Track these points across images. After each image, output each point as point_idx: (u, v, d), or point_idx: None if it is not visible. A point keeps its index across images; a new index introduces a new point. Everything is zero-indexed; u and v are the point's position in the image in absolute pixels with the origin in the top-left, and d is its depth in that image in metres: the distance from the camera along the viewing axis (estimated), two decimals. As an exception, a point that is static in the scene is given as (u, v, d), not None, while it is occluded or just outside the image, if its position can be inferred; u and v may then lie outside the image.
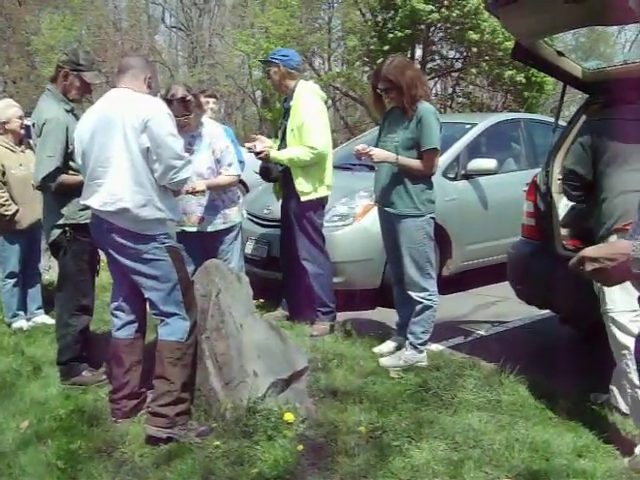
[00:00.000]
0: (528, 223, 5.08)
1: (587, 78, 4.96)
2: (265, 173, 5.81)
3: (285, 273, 6.08)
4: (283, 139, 5.65)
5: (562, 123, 5.64)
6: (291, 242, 5.73)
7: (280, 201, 5.99)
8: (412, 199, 4.68)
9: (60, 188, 4.28)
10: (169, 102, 4.63)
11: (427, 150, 4.63)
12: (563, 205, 5.03)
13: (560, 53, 4.92)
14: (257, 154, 5.56)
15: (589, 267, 2.01)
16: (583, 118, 5.06)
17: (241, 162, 6.07)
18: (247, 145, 5.64)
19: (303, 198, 5.53)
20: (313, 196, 5.56)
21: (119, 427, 3.85)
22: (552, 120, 5.54)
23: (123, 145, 3.56)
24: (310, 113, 5.48)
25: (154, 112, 3.58)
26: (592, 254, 2.01)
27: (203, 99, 5.55)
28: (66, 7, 28.04)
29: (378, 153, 4.72)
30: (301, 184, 5.51)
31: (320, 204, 5.67)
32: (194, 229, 5.10)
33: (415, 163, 4.67)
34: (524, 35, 4.68)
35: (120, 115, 3.57)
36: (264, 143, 5.61)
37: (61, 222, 4.40)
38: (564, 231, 4.96)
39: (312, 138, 5.41)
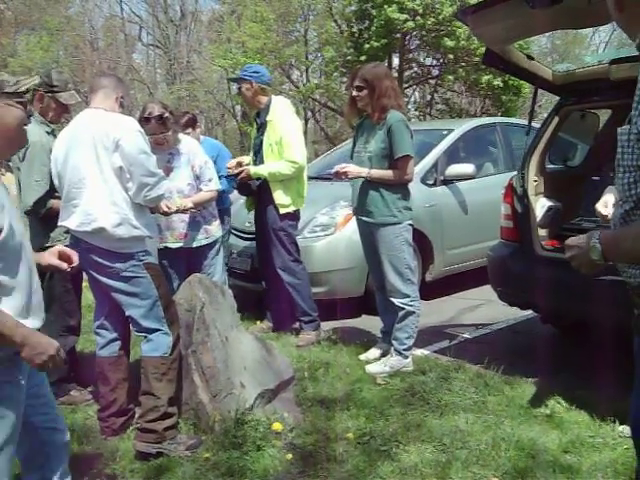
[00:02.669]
0: (506, 225, 5.15)
1: (557, 81, 5.04)
2: (243, 188, 5.85)
3: (267, 285, 6.12)
4: (258, 153, 5.72)
5: (537, 125, 5.71)
6: (269, 254, 5.78)
7: (252, 213, 6.07)
8: (389, 207, 4.73)
9: (49, 213, 4.29)
10: (147, 120, 4.66)
11: (400, 158, 4.69)
12: (540, 206, 5.11)
13: (530, 57, 5.00)
14: (236, 175, 5.65)
15: (567, 254, 2.14)
16: (556, 120, 5.14)
17: (229, 176, 6.10)
18: (230, 166, 5.71)
19: (282, 210, 5.60)
20: (291, 208, 5.64)
21: (109, 444, 3.87)
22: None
23: (96, 165, 3.58)
24: (289, 128, 5.55)
25: (125, 131, 3.60)
26: (570, 243, 2.13)
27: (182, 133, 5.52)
28: (42, 28, 28.01)
29: (352, 170, 4.79)
30: (280, 197, 5.58)
31: (295, 216, 5.75)
32: (178, 245, 5.12)
33: (388, 174, 4.73)
34: (494, 41, 4.75)
35: (91, 135, 3.59)
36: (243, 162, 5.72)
37: (48, 244, 4.40)
38: (542, 232, 5.04)
39: (292, 153, 5.48)
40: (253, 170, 5.58)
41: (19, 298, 2.30)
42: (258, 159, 5.70)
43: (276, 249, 5.70)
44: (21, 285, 2.31)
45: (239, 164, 5.71)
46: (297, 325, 5.91)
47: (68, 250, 2.66)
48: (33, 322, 2.35)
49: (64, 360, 2.37)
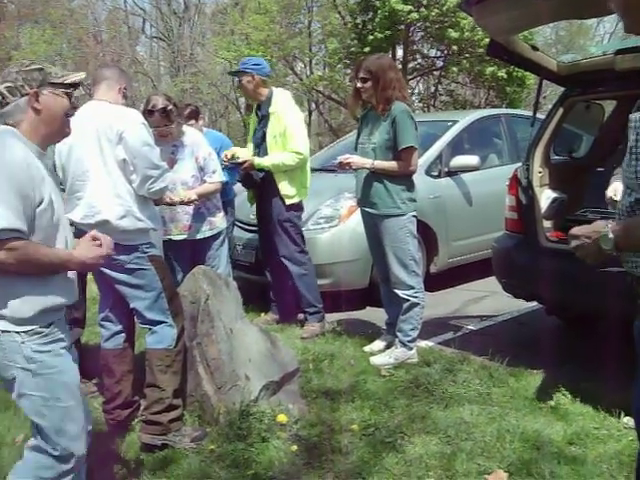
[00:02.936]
0: (511, 217, 5.13)
1: (562, 71, 5.02)
2: (247, 180, 5.85)
3: (271, 277, 6.12)
4: (260, 145, 5.73)
5: (541, 117, 5.69)
6: (274, 245, 5.80)
7: (254, 206, 6.11)
8: (393, 199, 4.73)
9: None
10: (150, 113, 4.66)
11: (403, 149, 4.67)
12: (545, 198, 5.10)
13: (535, 48, 4.97)
14: (240, 164, 5.64)
15: (572, 244, 2.15)
16: (561, 111, 5.12)
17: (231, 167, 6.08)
18: (225, 157, 5.69)
19: (288, 201, 5.62)
20: (297, 199, 5.67)
21: (114, 436, 3.87)
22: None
23: (99, 158, 3.59)
24: (292, 120, 5.59)
25: (128, 123, 3.60)
26: (576, 232, 2.14)
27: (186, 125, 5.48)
28: (46, 21, 28.05)
29: (356, 160, 4.80)
30: (285, 188, 5.60)
31: (300, 206, 5.78)
32: (182, 237, 5.12)
33: (392, 165, 4.72)
34: (498, 32, 4.73)
35: (95, 128, 3.59)
36: (244, 154, 5.71)
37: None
38: (547, 223, 5.03)
39: (296, 144, 5.51)
40: (257, 161, 5.58)
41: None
42: (261, 151, 5.71)
43: (282, 240, 5.71)
44: None
45: (233, 156, 5.68)
46: (302, 317, 5.93)
47: (99, 235, 2.71)
48: (63, 297, 2.55)
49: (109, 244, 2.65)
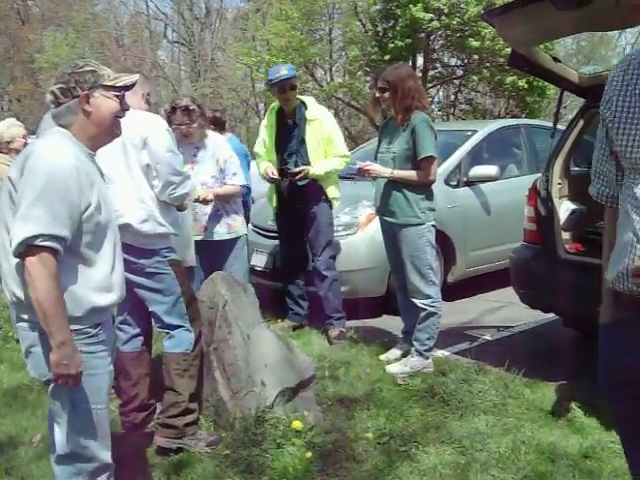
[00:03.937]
0: (529, 228, 5.12)
1: (583, 83, 5.00)
2: (291, 188, 5.78)
3: (291, 283, 6.13)
4: (297, 153, 5.69)
5: (562, 128, 5.67)
6: (313, 251, 5.85)
7: (272, 212, 6.13)
8: (412, 208, 4.73)
9: None
10: (173, 110, 4.74)
11: (423, 159, 4.67)
12: (564, 209, 5.08)
13: (556, 59, 4.96)
14: (294, 175, 5.58)
15: None
16: (581, 123, 5.11)
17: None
18: (272, 174, 5.63)
19: (336, 204, 5.80)
20: (339, 201, 5.84)
21: (130, 439, 3.89)
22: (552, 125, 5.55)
23: (123, 162, 3.62)
24: (334, 124, 5.76)
25: (153, 129, 3.65)
26: None
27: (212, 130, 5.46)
28: (69, 25, 28.33)
29: (376, 168, 4.81)
30: (333, 191, 5.75)
31: None
32: (199, 237, 5.14)
33: (411, 174, 4.72)
34: (520, 43, 4.73)
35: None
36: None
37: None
38: (565, 235, 5.01)
39: (342, 147, 5.67)
40: (312, 171, 5.55)
41: (101, 272, 2.52)
42: (297, 158, 5.68)
43: (324, 245, 5.78)
44: (104, 260, 2.54)
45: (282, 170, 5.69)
46: (327, 322, 5.88)
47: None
48: (112, 297, 2.58)
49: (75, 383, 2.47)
